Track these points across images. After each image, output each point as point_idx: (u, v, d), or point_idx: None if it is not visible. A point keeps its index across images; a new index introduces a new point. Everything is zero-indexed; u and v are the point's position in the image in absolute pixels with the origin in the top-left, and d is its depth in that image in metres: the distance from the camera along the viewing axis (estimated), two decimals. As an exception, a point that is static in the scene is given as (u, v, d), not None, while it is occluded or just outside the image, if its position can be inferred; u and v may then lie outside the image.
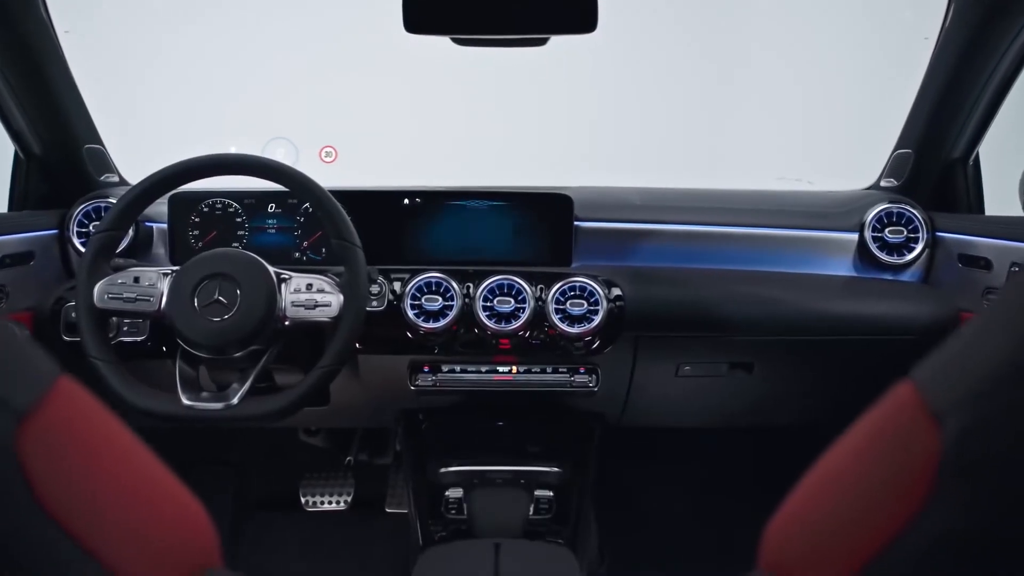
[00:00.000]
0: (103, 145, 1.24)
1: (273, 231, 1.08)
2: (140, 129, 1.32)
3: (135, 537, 0.24)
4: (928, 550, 0.20)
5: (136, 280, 0.88)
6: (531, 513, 0.94)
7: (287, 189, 0.92)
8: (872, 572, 0.22)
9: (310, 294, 0.88)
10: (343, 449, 1.58)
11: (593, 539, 1.08)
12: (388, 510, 1.53)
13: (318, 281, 0.89)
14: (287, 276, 0.90)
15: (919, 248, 1.09)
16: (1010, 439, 0.19)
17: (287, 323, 0.88)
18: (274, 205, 1.08)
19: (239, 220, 1.08)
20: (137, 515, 0.25)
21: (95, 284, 0.87)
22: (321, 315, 0.88)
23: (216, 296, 0.85)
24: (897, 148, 1.22)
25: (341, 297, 0.88)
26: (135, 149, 1.25)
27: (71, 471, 0.23)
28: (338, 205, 0.90)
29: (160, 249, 1.13)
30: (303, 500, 1.53)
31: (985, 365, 0.20)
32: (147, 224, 1.12)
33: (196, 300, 0.86)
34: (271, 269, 0.89)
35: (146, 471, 0.26)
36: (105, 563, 0.23)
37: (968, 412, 0.20)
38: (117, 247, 0.93)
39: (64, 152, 1.20)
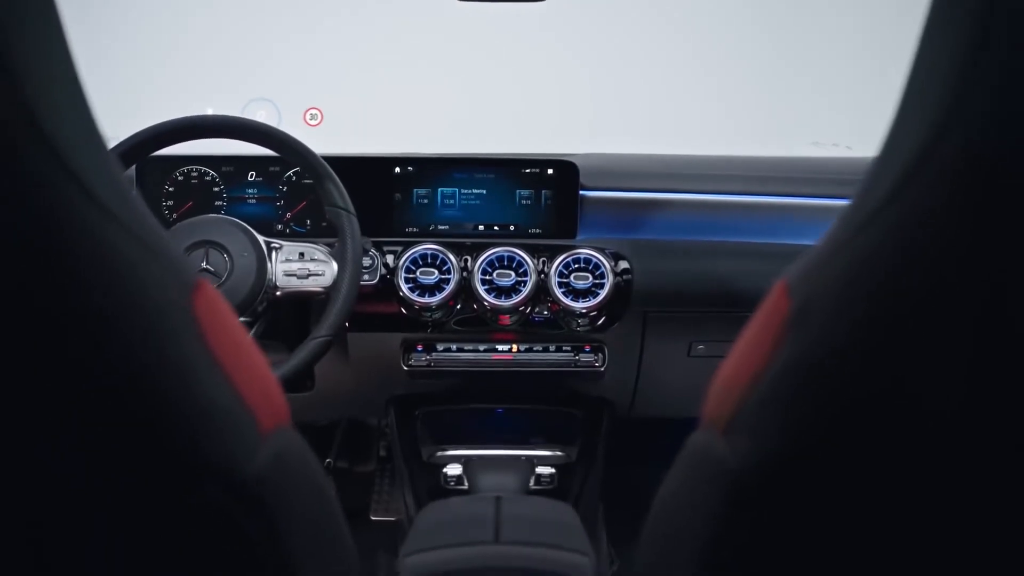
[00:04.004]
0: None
1: (253, 201, 1.22)
2: (101, 89, 1.46)
3: (260, 388, 0.41)
4: (783, 377, 0.38)
5: None
6: (532, 484, 1.11)
7: (272, 154, 1.08)
8: (747, 401, 0.40)
9: (302, 263, 1.04)
10: (320, 454, 1.75)
11: (602, 533, 1.24)
12: (374, 518, 1.69)
13: (310, 249, 1.05)
14: (278, 245, 1.05)
15: None
16: (827, 301, 0.36)
17: (278, 293, 1.04)
18: (254, 173, 1.22)
19: (216, 190, 1.23)
20: (257, 372, 0.42)
21: None
22: (314, 285, 1.03)
23: (204, 265, 1.01)
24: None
25: (335, 266, 1.04)
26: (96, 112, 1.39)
27: (226, 329, 0.39)
28: (330, 169, 1.05)
29: None
30: (278, 507, 1.69)
31: (819, 252, 0.37)
32: None
33: None
34: (260, 237, 1.04)
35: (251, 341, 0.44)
36: (249, 407, 0.39)
37: (805, 285, 0.38)
38: None
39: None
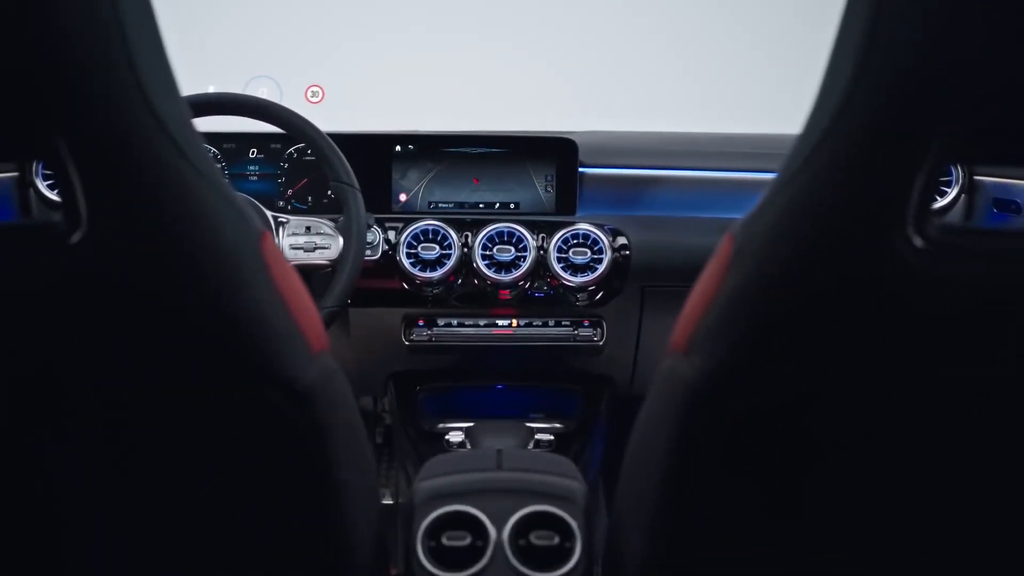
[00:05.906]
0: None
1: (255, 178, 1.35)
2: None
3: (309, 319, 0.54)
4: (726, 301, 0.51)
5: None
6: (532, 448, 1.24)
7: (273, 131, 1.19)
8: (701, 324, 0.53)
9: (309, 236, 1.17)
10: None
11: (602, 514, 1.37)
12: (371, 503, 1.83)
13: (316, 223, 1.18)
14: (284, 219, 1.18)
15: (953, 193, 1.37)
16: (759, 241, 0.49)
17: None
18: (256, 150, 1.34)
19: (217, 166, 1.36)
20: (308, 306, 0.55)
21: None
22: (320, 258, 1.16)
23: None
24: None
25: (341, 240, 1.17)
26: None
27: (285, 270, 0.52)
28: (335, 146, 1.17)
29: None
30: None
31: (755, 207, 0.51)
32: None
33: None
34: (267, 212, 1.17)
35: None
36: (303, 332, 0.52)
37: (744, 231, 0.51)
38: None
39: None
